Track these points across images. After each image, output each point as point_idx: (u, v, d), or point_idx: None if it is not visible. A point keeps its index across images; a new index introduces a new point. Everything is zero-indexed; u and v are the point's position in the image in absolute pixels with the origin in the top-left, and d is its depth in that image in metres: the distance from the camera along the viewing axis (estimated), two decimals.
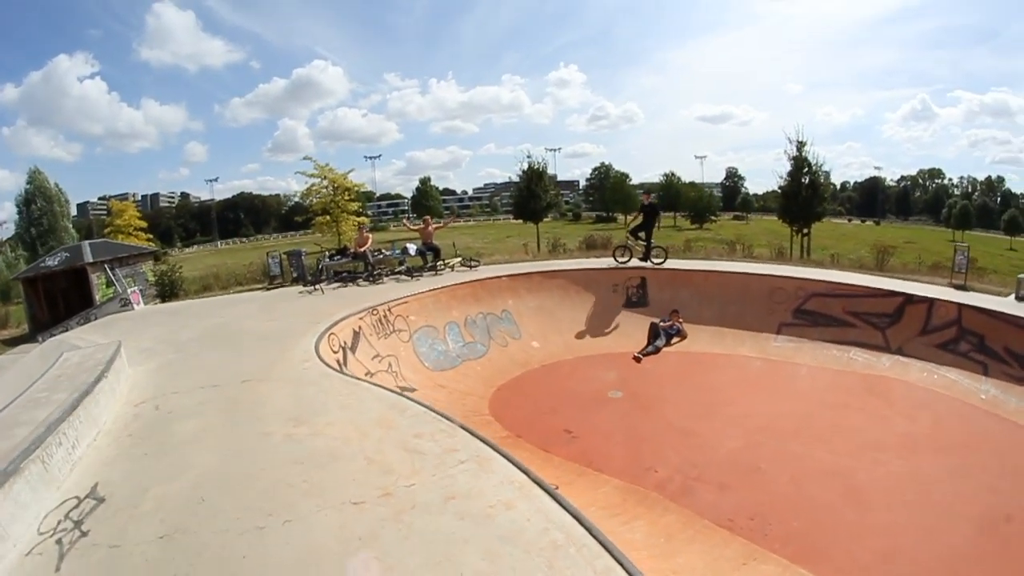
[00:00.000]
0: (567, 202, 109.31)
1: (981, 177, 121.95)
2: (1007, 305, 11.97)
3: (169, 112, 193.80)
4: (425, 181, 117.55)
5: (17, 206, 36.87)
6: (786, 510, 7.07)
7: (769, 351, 13.32)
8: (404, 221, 39.51)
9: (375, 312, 11.92)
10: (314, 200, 35.45)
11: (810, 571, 5.94)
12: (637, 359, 13.13)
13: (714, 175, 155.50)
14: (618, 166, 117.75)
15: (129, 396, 7.27)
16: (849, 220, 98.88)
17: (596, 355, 13.48)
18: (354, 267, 17.33)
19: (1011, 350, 10.72)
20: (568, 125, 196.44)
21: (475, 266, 17.68)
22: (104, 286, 16.93)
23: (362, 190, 41.07)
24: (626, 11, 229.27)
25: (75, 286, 17.39)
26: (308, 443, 5.30)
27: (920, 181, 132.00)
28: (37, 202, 35.69)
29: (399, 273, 16.83)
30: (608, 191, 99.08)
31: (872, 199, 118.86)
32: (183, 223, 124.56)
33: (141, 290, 17.28)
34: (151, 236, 43.88)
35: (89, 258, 16.96)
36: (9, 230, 42.48)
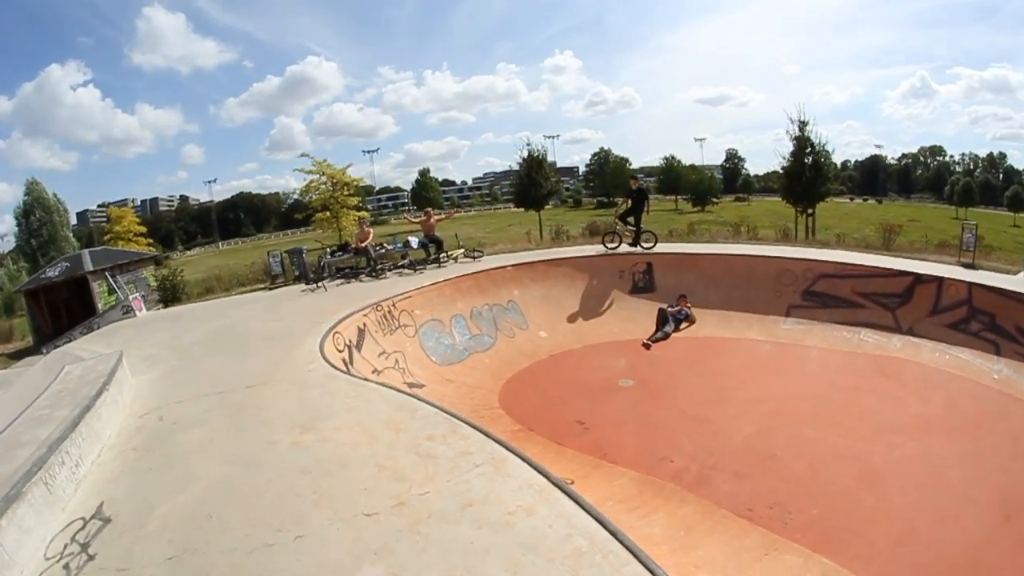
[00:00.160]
0: (567, 188, 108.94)
1: (983, 154, 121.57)
2: (1017, 283, 11.83)
3: (164, 116, 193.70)
4: (424, 173, 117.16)
5: (16, 218, 36.94)
6: (804, 497, 6.94)
7: (778, 334, 13.13)
8: (405, 214, 39.38)
9: (379, 308, 11.73)
10: (313, 197, 35.33)
11: (831, 559, 5.83)
12: (646, 346, 12.96)
13: (714, 157, 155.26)
14: (617, 151, 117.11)
15: (133, 407, 7.13)
16: (851, 199, 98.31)
17: (604, 343, 13.29)
18: (356, 263, 17.16)
19: (1023, 329, 10.56)
20: (565, 111, 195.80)
21: (478, 257, 17.46)
22: (106, 294, 16.84)
23: (361, 184, 40.82)
24: None
25: (77, 295, 17.35)
26: (316, 450, 5.13)
27: (921, 159, 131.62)
28: (36, 213, 35.66)
29: (402, 267, 16.63)
30: (608, 176, 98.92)
31: (873, 178, 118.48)
32: (183, 226, 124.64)
33: (143, 296, 17.17)
34: (151, 241, 43.86)
35: (89, 267, 16.86)
36: (10, 243, 42.48)
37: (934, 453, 7.91)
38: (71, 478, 5.02)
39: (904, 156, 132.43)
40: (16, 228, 37.64)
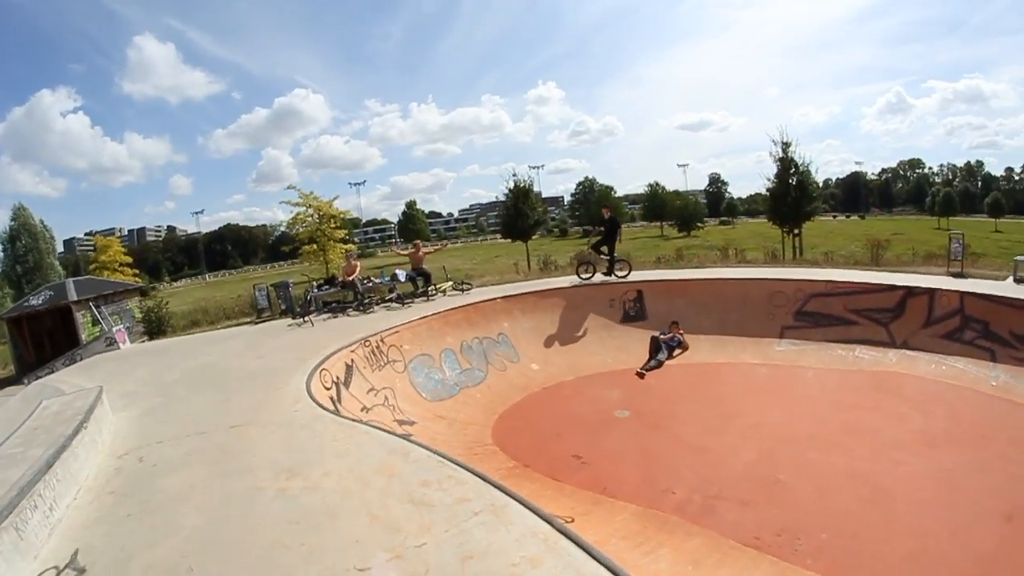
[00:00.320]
0: (553, 218, 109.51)
1: (960, 163, 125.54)
2: (1006, 288, 12.05)
3: (153, 145, 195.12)
4: (411, 205, 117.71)
5: (2, 243, 36.33)
6: (812, 522, 6.80)
7: (773, 356, 13.14)
8: (393, 247, 39.41)
9: (367, 343, 11.51)
10: (300, 229, 35.43)
11: None
12: (640, 375, 12.82)
13: (697, 182, 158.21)
14: (602, 179, 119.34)
15: (112, 447, 6.85)
16: (834, 216, 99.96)
17: (598, 374, 13.14)
18: (343, 297, 16.98)
19: (1016, 333, 10.71)
20: (550, 142, 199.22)
21: (467, 289, 17.30)
22: (90, 325, 16.72)
23: (348, 217, 40.92)
24: (599, 27, 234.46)
25: (61, 325, 17.31)
26: (304, 499, 4.83)
27: (901, 172, 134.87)
28: (22, 239, 35.38)
29: (389, 301, 16.46)
30: (594, 205, 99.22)
31: (855, 194, 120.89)
32: (170, 256, 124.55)
33: (128, 327, 17.03)
34: (137, 271, 43.50)
35: (73, 296, 16.77)
36: None
37: (940, 467, 7.90)
38: (44, 523, 4.73)
39: (884, 171, 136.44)
40: (1, 254, 37.09)
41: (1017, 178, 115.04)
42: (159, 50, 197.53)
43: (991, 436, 8.60)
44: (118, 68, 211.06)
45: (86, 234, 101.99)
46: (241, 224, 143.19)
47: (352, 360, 10.63)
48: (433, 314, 13.84)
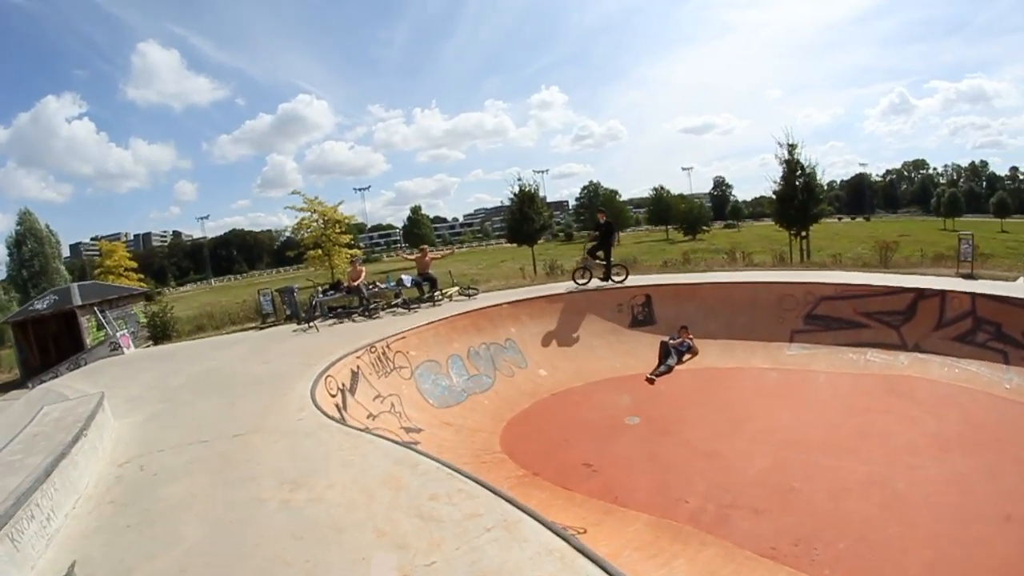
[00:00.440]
0: (558, 223, 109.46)
1: (965, 163, 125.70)
2: (1018, 289, 11.90)
3: (158, 151, 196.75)
4: (416, 210, 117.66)
5: (8, 248, 36.63)
6: (829, 530, 6.62)
7: (783, 360, 12.95)
8: (400, 252, 39.31)
9: (373, 349, 11.37)
10: (305, 234, 35.34)
11: None
12: (650, 380, 12.61)
13: (702, 185, 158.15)
14: (606, 183, 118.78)
15: (113, 454, 6.73)
16: (839, 219, 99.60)
17: (607, 379, 12.94)
18: (348, 302, 16.87)
19: None
20: (553, 146, 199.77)
21: (473, 295, 17.15)
22: (95, 329, 16.73)
23: (353, 222, 40.86)
24: (601, 31, 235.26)
25: (66, 329, 17.44)
26: (308, 511, 4.66)
27: (905, 173, 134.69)
28: (28, 243, 35.42)
29: (395, 306, 16.34)
30: (598, 209, 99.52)
31: (860, 195, 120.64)
32: (176, 261, 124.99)
33: (132, 332, 17.03)
34: (142, 276, 43.53)
35: (78, 301, 16.82)
36: (1, 272, 42.38)
37: (957, 471, 7.71)
38: (41, 533, 4.60)
39: (888, 172, 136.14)
40: (7, 258, 37.24)
41: (1022, 177, 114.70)
42: (163, 56, 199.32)
43: (1005, 439, 8.45)
44: (122, 74, 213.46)
45: (92, 239, 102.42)
46: (246, 229, 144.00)
47: (358, 366, 10.49)
48: (440, 319, 13.70)
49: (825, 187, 35.74)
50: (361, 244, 69.43)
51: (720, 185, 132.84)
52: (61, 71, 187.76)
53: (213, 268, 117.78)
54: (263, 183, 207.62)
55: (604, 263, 16.41)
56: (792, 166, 33.41)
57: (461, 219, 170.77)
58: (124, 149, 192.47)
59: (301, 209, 34.96)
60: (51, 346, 17.65)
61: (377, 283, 18.07)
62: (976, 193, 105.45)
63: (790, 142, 33.27)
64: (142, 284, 36.31)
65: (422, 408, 10.85)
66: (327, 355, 10.60)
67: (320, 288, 17.86)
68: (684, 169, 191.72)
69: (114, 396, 9.27)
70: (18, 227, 35.94)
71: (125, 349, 15.51)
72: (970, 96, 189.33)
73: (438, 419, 10.65)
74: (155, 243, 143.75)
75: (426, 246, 19.74)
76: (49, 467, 5.13)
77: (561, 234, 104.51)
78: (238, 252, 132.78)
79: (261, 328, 17.10)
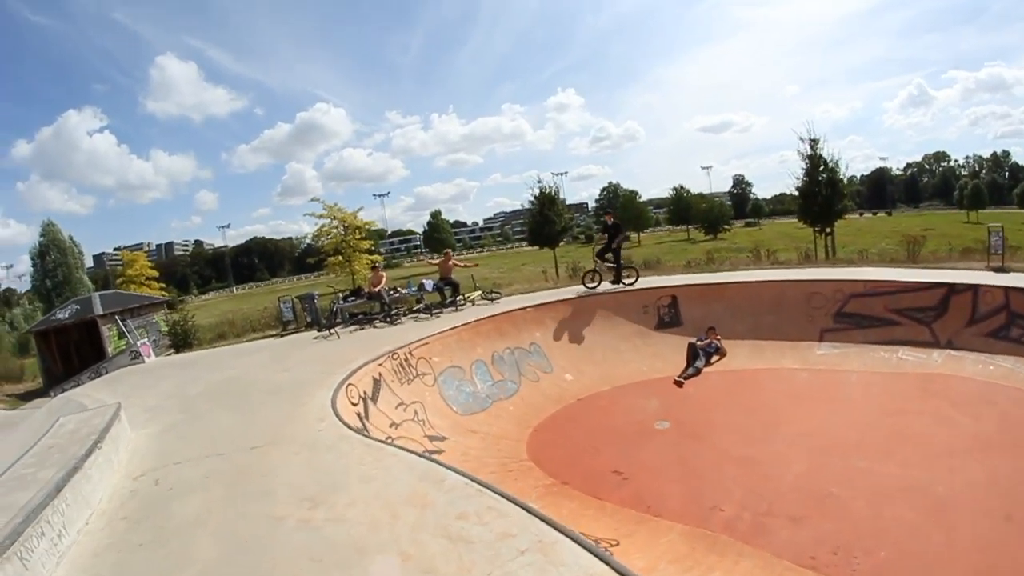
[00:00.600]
0: (578, 225, 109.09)
1: (986, 154, 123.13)
2: None
3: (178, 162, 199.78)
4: (436, 215, 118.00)
5: (32, 259, 37.04)
6: (869, 538, 6.31)
7: (814, 360, 12.63)
8: (423, 256, 39.37)
9: (395, 356, 11.12)
10: (325, 241, 35.38)
11: None
12: (678, 383, 12.30)
13: (721, 184, 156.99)
14: (625, 184, 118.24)
15: (128, 466, 6.57)
16: (860, 214, 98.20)
17: (634, 383, 12.62)
18: (369, 308, 16.71)
19: None
20: (571, 149, 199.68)
21: (496, 299, 16.85)
22: (116, 338, 16.87)
23: (373, 228, 40.77)
24: (615, 32, 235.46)
25: (87, 338, 17.82)
26: (327, 531, 4.36)
27: (926, 166, 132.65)
28: (51, 254, 35.86)
29: (417, 311, 16.14)
30: (619, 210, 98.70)
31: (880, 190, 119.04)
32: (198, 270, 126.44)
33: (154, 340, 17.14)
34: (164, 285, 43.82)
35: (99, 310, 16.98)
36: (27, 283, 43.04)
37: (999, 473, 7.37)
38: (52, 551, 4.42)
39: (909, 165, 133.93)
40: (32, 269, 37.72)
41: None
42: (180, 69, 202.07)
43: None
44: (141, 87, 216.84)
45: (115, 249, 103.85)
46: (267, 237, 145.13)
47: (380, 374, 10.25)
48: (463, 324, 13.46)
49: (847, 182, 34.72)
50: (381, 250, 69.52)
51: (740, 183, 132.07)
52: (81, 86, 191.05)
53: (235, 276, 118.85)
54: (283, 191, 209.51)
55: (614, 265, 16.11)
56: (815, 161, 32.54)
57: (481, 223, 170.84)
58: (145, 161, 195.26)
59: (321, 216, 35.08)
60: (74, 355, 17.89)
61: (398, 288, 17.90)
62: (999, 184, 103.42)
63: (812, 137, 32.49)
64: (164, 293, 36.50)
65: (446, 415, 10.61)
66: (348, 362, 10.38)
67: (341, 294, 17.71)
68: (703, 168, 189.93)
69: (132, 406, 9.21)
70: (41, 238, 36.41)
71: (146, 358, 15.61)
72: (989, 85, 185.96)
73: (463, 426, 10.41)
74: (177, 252, 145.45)
75: (449, 250, 19.48)
76: (61, 482, 4.99)
77: (582, 236, 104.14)
78: (259, 260, 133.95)
79: (282, 335, 16.99)
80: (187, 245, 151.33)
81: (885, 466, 7.85)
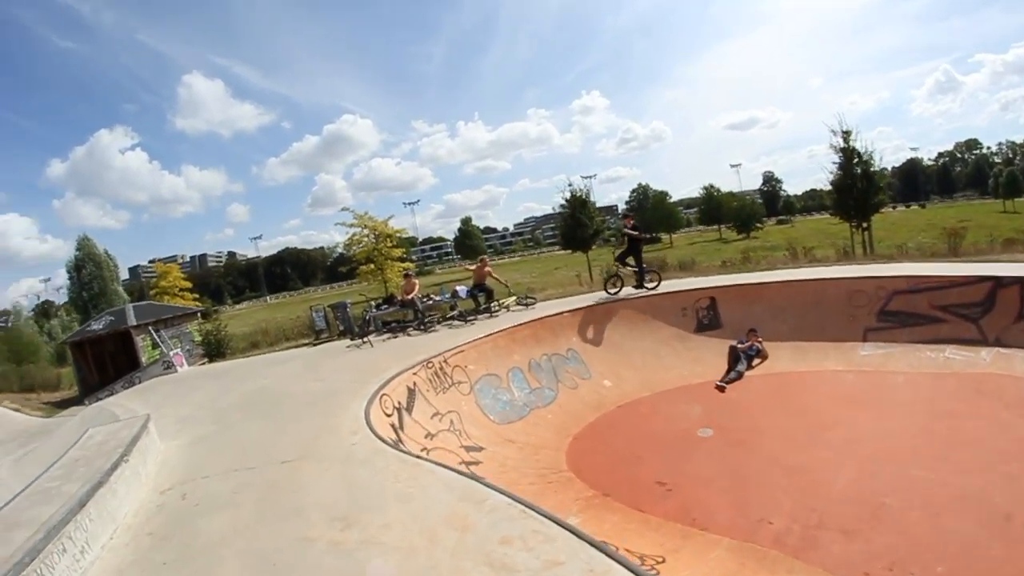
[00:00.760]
0: (609, 228, 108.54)
1: (1020, 140, 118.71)
2: None
3: (209, 177, 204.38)
4: (466, 221, 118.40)
5: (68, 272, 37.99)
6: (925, 552, 5.90)
7: (858, 362, 12.13)
8: (459, 263, 39.44)
9: (430, 365, 10.85)
10: (357, 249, 35.61)
11: None
12: (720, 388, 11.89)
13: (751, 182, 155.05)
14: (655, 185, 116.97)
15: (157, 479, 6.46)
16: (893, 207, 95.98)
17: (674, 388, 12.23)
18: (403, 316, 16.57)
19: None
20: (598, 151, 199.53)
21: (531, 304, 16.50)
22: (150, 348, 17.13)
23: (404, 236, 40.87)
24: (636, 32, 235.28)
25: (122, 349, 17.96)
26: (360, 555, 4.03)
27: (958, 155, 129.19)
28: (87, 267, 36.75)
29: (451, 319, 15.91)
30: (649, 211, 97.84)
31: (913, 182, 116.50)
32: (232, 281, 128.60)
33: (188, 350, 17.38)
34: (198, 296, 44.39)
35: (133, 321, 17.25)
36: (64, 296, 44.25)
37: None
38: (74, 567, 4.32)
39: (940, 155, 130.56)
40: (68, 282, 38.67)
41: None
42: (207, 86, 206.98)
43: None
44: (169, 105, 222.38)
45: (149, 261, 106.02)
46: (299, 247, 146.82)
47: (414, 383, 9.99)
48: (498, 331, 13.15)
49: (882, 173, 33.43)
50: (413, 257, 69.73)
51: (770, 180, 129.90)
52: (111, 106, 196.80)
53: (268, 286, 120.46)
54: (313, 202, 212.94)
55: (636, 269, 15.77)
56: (848, 154, 31.61)
57: (512, 228, 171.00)
58: (176, 176, 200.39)
59: (351, 225, 35.39)
60: (108, 364, 18.21)
61: (432, 295, 17.71)
62: None
63: (844, 129, 31.65)
64: (197, 303, 36.94)
65: (482, 425, 10.31)
66: (381, 371, 10.16)
67: (373, 302, 17.57)
68: (732, 166, 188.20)
69: (163, 416, 9.19)
70: (77, 252, 37.34)
71: (178, 368, 15.81)
72: (1018, 67, 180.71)
73: (500, 436, 10.10)
74: (211, 263, 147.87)
75: (485, 257, 19.23)
76: (84, 497, 4.90)
77: (613, 239, 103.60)
78: (292, 269, 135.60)
79: (315, 344, 16.95)
80: (220, 256, 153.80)
81: (939, 474, 7.43)
